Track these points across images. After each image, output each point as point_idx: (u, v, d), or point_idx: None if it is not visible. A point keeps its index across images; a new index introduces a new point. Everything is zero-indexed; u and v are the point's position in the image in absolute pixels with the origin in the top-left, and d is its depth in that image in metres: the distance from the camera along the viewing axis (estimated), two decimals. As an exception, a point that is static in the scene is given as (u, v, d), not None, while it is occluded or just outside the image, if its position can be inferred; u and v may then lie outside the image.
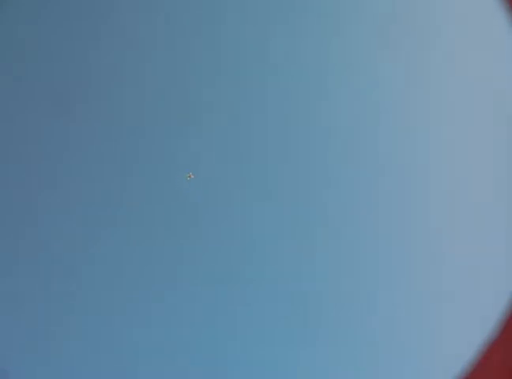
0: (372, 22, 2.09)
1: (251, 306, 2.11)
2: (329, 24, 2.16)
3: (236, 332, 2.10)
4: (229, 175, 2.15)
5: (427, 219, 2.02)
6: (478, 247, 1.92)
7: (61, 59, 2.17)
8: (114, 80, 2.19)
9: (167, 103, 2.21)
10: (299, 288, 2.16)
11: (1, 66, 2.07)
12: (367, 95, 2.12)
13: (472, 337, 1.81)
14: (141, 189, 2.15)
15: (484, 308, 1.84)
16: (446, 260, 1.93)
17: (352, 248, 2.07)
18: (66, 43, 2.15)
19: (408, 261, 1.99)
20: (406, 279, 1.97)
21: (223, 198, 2.13)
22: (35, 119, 2.20)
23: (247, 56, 2.22)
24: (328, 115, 2.14)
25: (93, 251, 2.20)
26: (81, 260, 2.16)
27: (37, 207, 2.22)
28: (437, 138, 2.08)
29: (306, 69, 2.18)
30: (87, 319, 2.11)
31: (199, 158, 2.12)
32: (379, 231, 2.05)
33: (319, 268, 2.16)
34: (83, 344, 2.08)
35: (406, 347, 1.89)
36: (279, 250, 2.14)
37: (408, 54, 2.08)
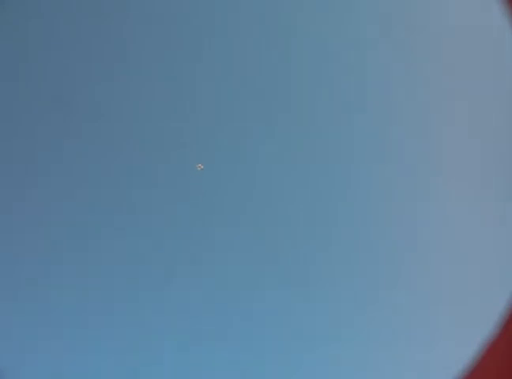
0: (375, 23, 2.08)
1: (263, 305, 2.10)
2: (332, 24, 2.15)
3: (248, 323, 2.08)
4: (236, 169, 2.14)
5: (429, 220, 2.01)
6: (478, 248, 1.91)
7: (61, 58, 2.16)
8: (118, 77, 2.18)
9: (173, 99, 2.20)
10: (298, 287, 2.15)
11: (1, 66, 2.06)
12: (369, 93, 2.11)
13: (472, 337, 1.81)
14: (148, 181, 2.13)
15: (484, 308, 1.84)
16: (447, 261, 1.93)
17: (355, 248, 2.05)
18: (67, 42, 2.15)
19: (408, 263, 1.98)
20: (407, 281, 1.96)
21: (231, 192, 2.12)
22: (38, 117, 2.18)
23: (251, 55, 2.21)
24: (330, 111, 2.14)
25: (95, 250, 2.19)
26: (83, 259, 2.14)
27: (40, 204, 2.20)
28: (437, 136, 2.07)
29: (310, 67, 2.17)
30: (87, 320, 2.09)
31: (206, 150, 2.11)
32: (382, 231, 2.04)
33: (319, 268, 2.15)
34: (83, 345, 2.07)
35: (406, 347, 1.88)
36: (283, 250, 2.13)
37: (409, 53, 2.07)
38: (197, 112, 2.08)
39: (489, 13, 2.12)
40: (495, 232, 1.98)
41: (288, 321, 1.96)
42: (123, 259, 2.03)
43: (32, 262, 2.01)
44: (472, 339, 1.95)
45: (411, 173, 2.05)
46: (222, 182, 2.01)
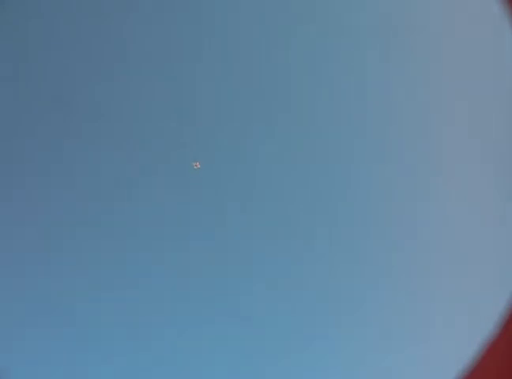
0: (375, 23, 2.08)
1: (255, 302, 2.10)
2: (332, 24, 2.15)
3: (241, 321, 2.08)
4: (233, 168, 2.14)
5: (429, 220, 2.01)
6: (478, 248, 1.91)
7: (61, 58, 2.16)
8: (118, 77, 2.18)
9: (173, 99, 2.19)
10: (298, 287, 2.15)
11: (1, 66, 2.06)
12: (369, 93, 2.11)
13: (472, 337, 1.81)
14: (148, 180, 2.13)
15: (484, 308, 1.84)
16: (447, 261, 1.92)
17: (355, 248, 2.05)
18: (67, 42, 2.14)
19: (408, 262, 1.97)
20: (406, 280, 1.96)
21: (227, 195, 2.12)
22: (38, 117, 2.18)
23: (251, 55, 2.21)
24: (330, 111, 2.13)
25: (95, 250, 2.18)
26: (84, 259, 2.14)
27: (39, 204, 2.20)
28: (437, 136, 2.07)
29: (310, 67, 2.17)
30: (88, 320, 2.09)
31: (203, 150, 2.11)
32: (382, 231, 2.04)
33: (320, 268, 2.15)
34: (84, 345, 2.06)
35: (407, 347, 1.88)
36: (277, 250, 2.13)
37: (409, 53, 2.07)
38: (196, 112, 2.08)
39: (489, 13, 2.11)
40: (495, 232, 1.98)
41: (287, 321, 1.96)
42: (123, 259, 2.03)
43: (32, 262, 2.01)
44: (472, 339, 1.95)
45: (411, 173, 2.05)
46: (222, 182, 2.01)
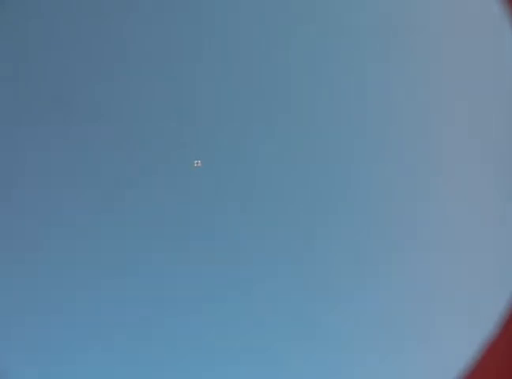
0: (375, 22, 2.10)
1: (254, 306, 2.12)
2: (332, 23, 2.17)
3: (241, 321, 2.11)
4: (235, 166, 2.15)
5: (429, 220, 2.03)
6: (478, 246, 1.92)
7: (61, 58, 2.18)
8: (118, 77, 2.20)
9: (173, 99, 2.22)
10: (298, 287, 2.17)
11: (1, 66, 2.08)
12: (369, 93, 2.13)
13: (472, 337, 1.82)
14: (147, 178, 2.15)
15: (484, 308, 1.85)
16: (446, 258, 1.94)
17: (354, 248, 2.07)
18: (67, 42, 2.17)
19: (408, 262, 1.99)
20: (404, 278, 1.98)
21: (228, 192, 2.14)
22: (38, 117, 2.20)
23: (251, 55, 2.23)
24: (330, 111, 2.15)
25: (95, 250, 2.21)
26: (83, 259, 2.17)
27: (39, 205, 2.22)
28: (437, 136, 2.09)
29: (310, 66, 2.19)
30: (90, 319, 2.12)
31: (204, 148, 2.13)
32: (381, 231, 2.06)
33: (320, 268, 2.17)
34: (85, 344, 2.09)
35: (405, 346, 1.90)
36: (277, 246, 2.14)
37: (409, 53, 2.09)
38: (196, 112, 2.09)
39: (489, 13, 2.13)
40: (495, 232, 1.99)
41: (287, 321, 1.98)
42: (123, 259, 2.05)
43: (32, 262, 2.02)
44: (472, 339, 1.97)
45: (411, 173, 2.06)
46: (222, 182, 2.03)
